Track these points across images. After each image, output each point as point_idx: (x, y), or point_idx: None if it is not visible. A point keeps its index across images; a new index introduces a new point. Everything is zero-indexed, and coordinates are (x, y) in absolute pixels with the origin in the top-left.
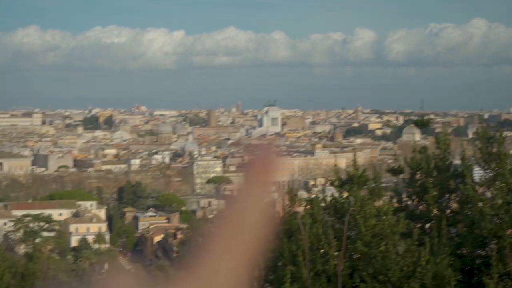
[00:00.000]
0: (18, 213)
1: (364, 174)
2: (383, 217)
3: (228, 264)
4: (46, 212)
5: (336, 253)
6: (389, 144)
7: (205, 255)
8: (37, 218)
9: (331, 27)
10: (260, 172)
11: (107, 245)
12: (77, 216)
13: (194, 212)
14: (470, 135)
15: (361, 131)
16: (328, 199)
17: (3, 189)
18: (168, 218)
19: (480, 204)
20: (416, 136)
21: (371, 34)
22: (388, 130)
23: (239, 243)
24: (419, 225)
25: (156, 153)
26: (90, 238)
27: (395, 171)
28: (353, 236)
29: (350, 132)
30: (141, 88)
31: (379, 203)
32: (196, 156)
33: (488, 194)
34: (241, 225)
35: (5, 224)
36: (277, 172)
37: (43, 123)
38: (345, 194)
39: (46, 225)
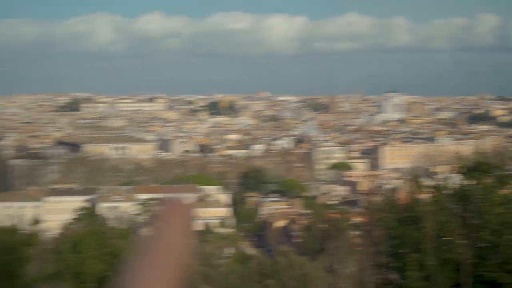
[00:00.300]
0: (143, 196)
1: (489, 162)
2: (510, 205)
3: None
4: (171, 196)
5: (461, 242)
6: None
7: None
8: None
9: (453, 12)
10: (175, 221)
11: (230, 230)
12: (200, 200)
13: (315, 197)
14: None
15: (485, 117)
16: (452, 186)
17: (129, 173)
18: (290, 204)
19: None
20: None
21: (495, 18)
22: None
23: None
24: None
25: (278, 138)
26: (214, 223)
27: None
28: (479, 225)
29: (473, 118)
30: (263, 74)
31: (505, 191)
32: (317, 142)
33: None
34: (161, 265)
35: (130, 207)
36: (190, 222)
37: (167, 108)
38: (470, 182)
39: None
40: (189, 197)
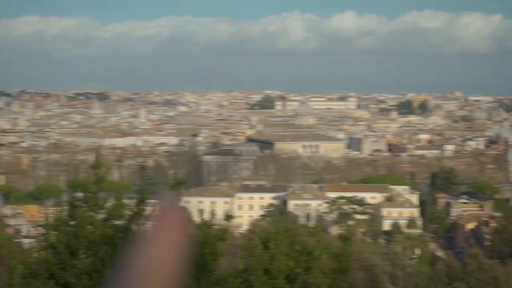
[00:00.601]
0: (332, 195)
1: None
2: None
3: None
4: (359, 195)
5: None
6: None
7: None
8: (350, 200)
9: None
10: (170, 228)
11: (419, 231)
12: (389, 200)
13: (508, 200)
14: None
15: None
16: None
17: (319, 171)
18: (481, 206)
19: None
20: None
21: None
22: None
23: None
24: None
25: (470, 139)
26: (402, 223)
27: None
28: None
29: None
30: (456, 73)
31: None
32: (511, 143)
33: None
34: (151, 275)
35: (320, 205)
36: (186, 230)
37: (358, 107)
38: None
39: (359, 208)
40: (186, 203)
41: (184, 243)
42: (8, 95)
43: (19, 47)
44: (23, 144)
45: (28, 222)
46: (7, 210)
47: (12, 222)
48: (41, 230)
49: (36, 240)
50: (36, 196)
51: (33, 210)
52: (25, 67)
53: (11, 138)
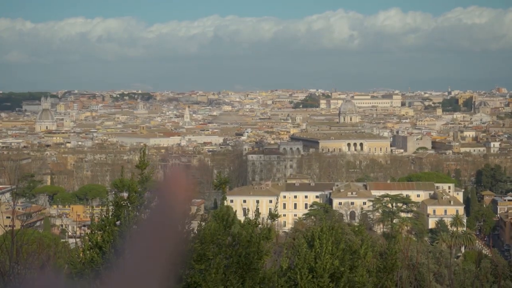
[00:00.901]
0: (377, 193)
1: None
2: None
3: (147, 268)
4: (404, 193)
5: None
6: None
7: (126, 260)
8: (395, 198)
9: None
10: (176, 191)
11: (464, 228)
12: (434, 198)
13: None
14: None
15: None
16: None
17: (363, 169)
18: None
19: None
20: None
21: None
22: None
23: (158, 250)
24: None
25: None
26: (447, 221)
27: None
28: None
29: None
30: (502, 70)
31: None
32: None
33: None
34: (159, 235)
35: (364, 203)
36: (189, 193)
37: (402, 104)
38: None
39: (404, 206)
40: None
41: (186, 200)
42: (54, 96)
43: (64, 49)
44: (69, 145)
45: (73, 222)
46: (53, 210)
47: (58, 222)
48: (87, 230)
49: (81, 240)
50: (82, 196)
51: (78, 210)
52: (70, 68)
53: (57, 139)
